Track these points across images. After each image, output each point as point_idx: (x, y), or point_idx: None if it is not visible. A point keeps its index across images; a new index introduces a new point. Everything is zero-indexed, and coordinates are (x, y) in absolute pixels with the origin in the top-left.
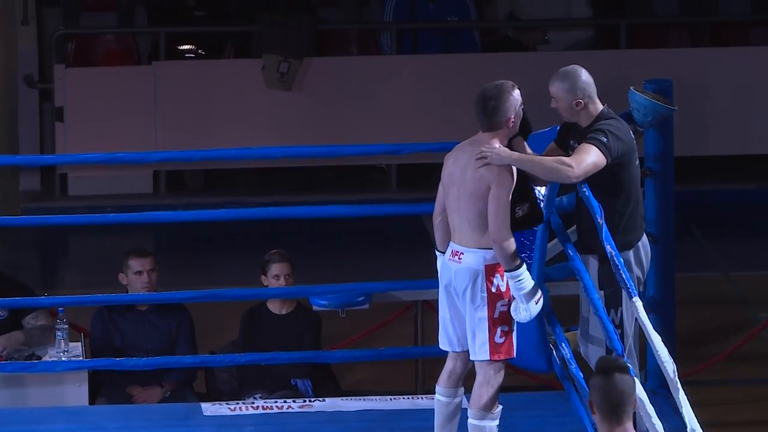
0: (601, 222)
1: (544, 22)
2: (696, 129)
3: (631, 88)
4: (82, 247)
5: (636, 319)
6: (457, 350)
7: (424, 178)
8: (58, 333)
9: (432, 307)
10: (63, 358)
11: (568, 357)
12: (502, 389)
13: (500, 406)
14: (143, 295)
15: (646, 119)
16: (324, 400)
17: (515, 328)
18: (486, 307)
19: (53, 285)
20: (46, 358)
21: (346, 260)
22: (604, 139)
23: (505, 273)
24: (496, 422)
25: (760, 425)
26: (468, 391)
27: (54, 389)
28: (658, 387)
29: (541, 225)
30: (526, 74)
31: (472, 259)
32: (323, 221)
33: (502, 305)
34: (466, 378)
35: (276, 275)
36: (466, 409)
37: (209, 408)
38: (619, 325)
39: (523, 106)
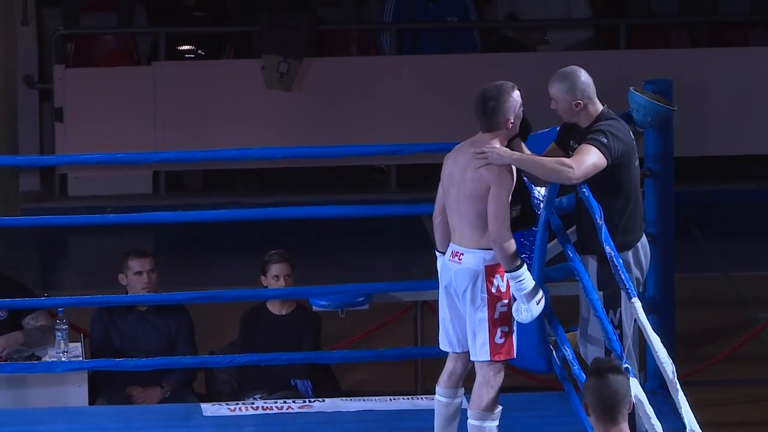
0: (600, 222)
1: (543, 22)
2: (696, 129)
3: (631, 88)
4: (82, 248)
5: (635, 319)
6: (458, 351)
7: (424, 178)
8: (58, 333)
9: (432, 307)
10: (63, 359)
11: (570, 358)
12: (502, 390)
13: (500, 407)
14: (143, 295)
15: (645, 120)
16: (324, 401)
17: (515, 328)
18: (486, 308)
19: (53, 285)
20: (45, 359)
21: (345, 261)
22: (605, 140)
23: (505, 273)
24: (496, 423)
25: (760, 426)
26: (468, 392)
27: (54, 390)
28: (658, 388)
29: (541, 225)
30: (526, 75)
31: (472, 259)
32: (323, 222)
33: (502, 306)
34: (466, 379)
35: (276, 276)
36: (466, 409)
37: (209, 408)
38: (618, 326)
39: (522, 108)
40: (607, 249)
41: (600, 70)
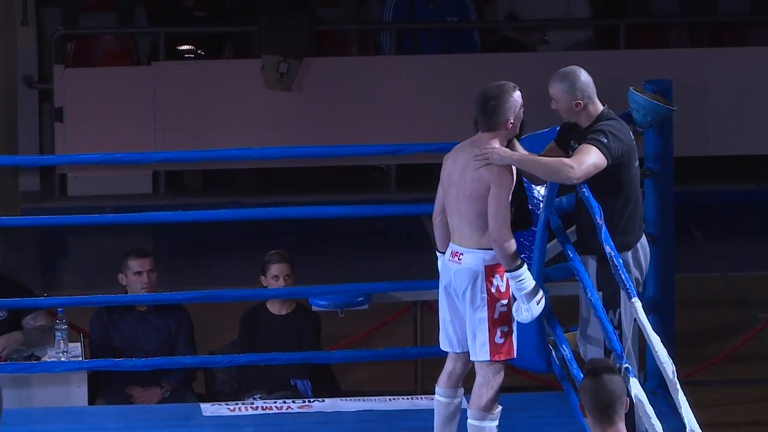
0: (600, 222)
1: (543, 22)
2: (695, 129)
3: (631, 88)
4: (82, 248)
5: (635, 319)
6: (458, 351)
7: (424, 178)
8: (58, 333)
9: (431, 307)
10: (62, 359)
11: (569, 358)
12: (502, 390)
13: (500, 407)
14: (142, 295)
15: (645, 119)
16: (323, 401)
17: (515, 328)
18: (486, 308)
19: (52, 285)
20: (45, 359)
21: (345, 261)
22: (605, 140)
23: (505, 273)
24: (496, 423)
25: (760, 426)
26: (468, 392)
27: (53, 390)
28: (658, 387)
29: (540, 225)
30: (526, 75)
31: (472, 259)
32: (323, 222)
33: (501, 306)
34: (466, 378)
35: (275, 276)
36: (466, 409)
37: (208, 408)
38: (618, 326)
39: (523, 108)
40: (607, 249)
41: (600, 70)
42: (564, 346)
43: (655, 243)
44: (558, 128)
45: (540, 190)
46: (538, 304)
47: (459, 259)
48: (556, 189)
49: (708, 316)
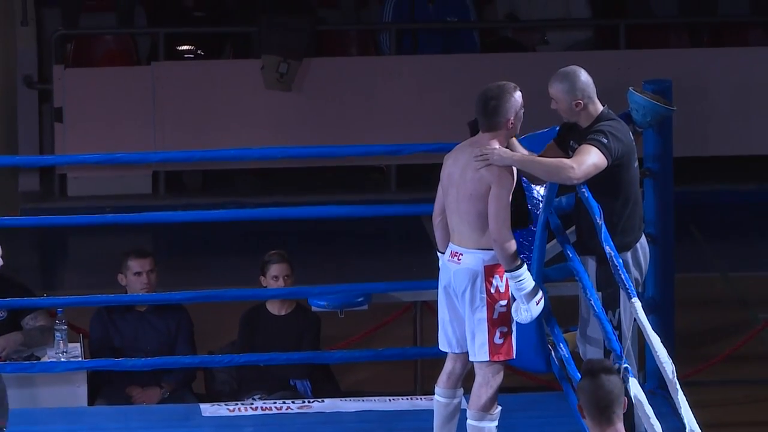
0: (600, 222)
1: (543, 22)
2: (695, 129)
3: (631, 88)
4: (82, 248)
5: (634, 320)
6: (457, 351)
7: (424, 178)
8: (57, 334)
9: (431, 307)
10: (62, 359)
11: (566, 358)
12: (501, 390)
13: (499, 407)
14: (142, 295)
15: (645, 120)
16: (323, 401)
17: (514, 329)
18: (485, 308)
19: (52, 286)
20: (45, 359)
21: (345, 261)
22: (605, 140)
23: (505, 273)
24: (495, 423)
25: (760, 426)
26: (467, 392)
27: (53, 390)
28: (657, 388)
29: (540, 225)
30: (526, 75)
31: (471, 259)
32: (323, 222)
33: (501, 306)
34: (466, 379)
35: (275, 276)
36: (465, 409)
37: (208, 409)
38: (617, 327)
39: (523, 109)
40: (607, 249)
41: (600, 71)
42: (562, 346)
43: (655, 243)
44: (558, 128)
45: (539, 191)
46: (537, 304)
47: (458, 259)
48: (555, 189)
49: (708, 316)
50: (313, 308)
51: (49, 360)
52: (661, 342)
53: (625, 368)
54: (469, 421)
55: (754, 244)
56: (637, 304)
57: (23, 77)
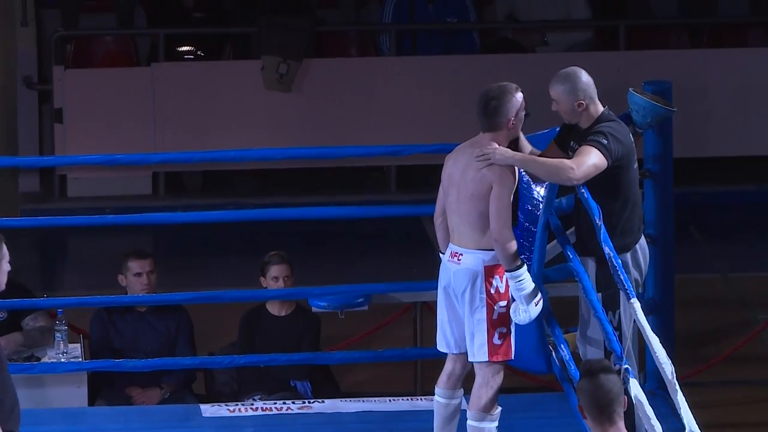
0: (599, 223)
1: (543, 23)
2: (695, 130)
3: (630, 89)
4: (82, 249)
5: (634, 320)
6: (455, 352)
7: (424, 179)
8: (57, 334)
9: (431, 308)
10: (62, 360)
11: (567, 359)
12: (502, 390)
13: (499, 408)
14: (142, 296)
15: (645, 120)
16: (323, 402)
17: (514, 329)
18: (485, 309)
19: (52, 286)
20: (45, 360)
21: (345, 262)
22: (605, 141)
23: (505, 273)
24: (495, 424)
25: (760, 426)
26: (467, 393)
27: (53, 390)
28: (657, 388)
29: (540, 226)
30: (526, 76)
31: (471, 260)
32: (322, 223)
33: (500, 307)
34: (466, 379)
35: (275, 277)
36: (466, 410)
37: (208, 409)
38: (617, 327)
39: (524, 110)
40: (606, 250)
41: (599, 72)
42: (563, 346)
43: (655, 244)
44: (558, 129)
45: (540, 191)
46: (536, 305)
47: (458, 259)
48: (555, 190)
49: (708, 317)
50: (313, 309)
51: (49, 361)
52: (661, 343)
53: (626, 369)
54: (469, 422)
55: (753, 244)
56: (637, 305)
57: (23, 78)
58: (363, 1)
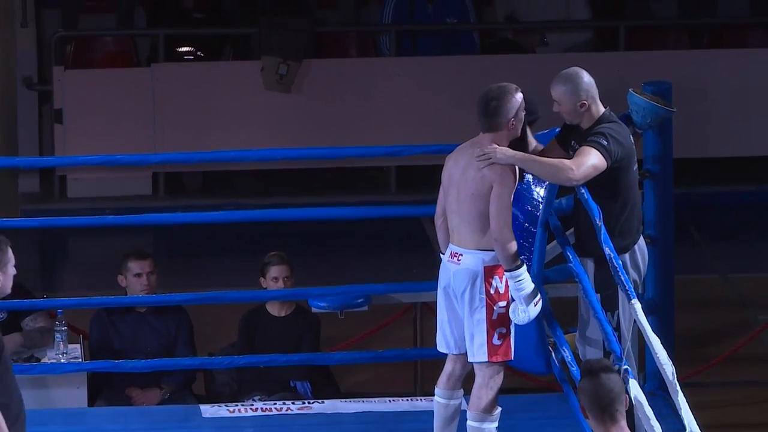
0: (599, 224)
1: (543, 24)
2: (695, 131)
3: (630, 90)
4: (81, 249)
5: (634, 321)
6: (455, 352)
7: (424, 180)
8: (57, 335)
9: (431, 309)
10: (62, 360)
11: (569, 359)
12: (502, 391)
13: (499, 408)
14: (142, 297)
15: (645, 121)
16: (323, 402)
17: (513, 329)
18: (484, 309)
19: (52, 287)
20: (45, 360)
21: (345, 262)
22: (605, 143)
23: (505, 273)
24: (495, 424)
25: (760, 427)
26: (467, 393)
27: (53, 391)
28: (657, 389)
29: (540, 227)
30: (526, 76)
31: (471, 260)
32: (322, 223)
33: (500, 307)
34: (466, 380)
35: (275, 277)
36: (466, 411)
37: (208, 410)
38: (616, 328)
39: (525, 111)
40: (606, 251)
41: (599, 72)
42: (564, 347)
43: (655, 244)
44: (558, 130)
45: (539, 192)
46: (535, 306)
47: (458, 260)
48: (555, 190)
49: (708, 317)
50: (313, 309)
51: (49, 361)
52: (661, 343)
53: (626, 369)
54: (469, 423)
55: (753, 245)
56: (637, 305)
57: (23, 78)
58: (363, 2)
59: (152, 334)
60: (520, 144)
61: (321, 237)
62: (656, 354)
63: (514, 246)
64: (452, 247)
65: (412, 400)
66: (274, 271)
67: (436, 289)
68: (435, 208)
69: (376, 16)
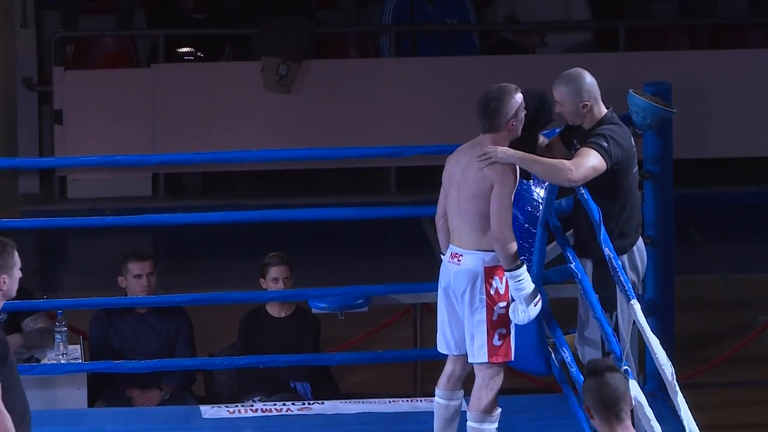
0: (599, 223)
1: (543, 24)
2: (695, 131)
3: (630, 90)
4: (81, 250)
5: (633, 321)
6: (455, 353)
7: (424, 180)
8: (57, 336)
9: (431, 309)
10: (62, 361)
11: (568, 360)
12: (502, 392)
13: (499, 409)
14: (142, 298)
15: (645, 122)
16: (323, 403)
17: (514, 330)
18: (485, 310)
19: (52, 288)
20: (45, 361)
21: (345, 263)
22: (605, 144)
23: (505, 273)
24: (495, 425)
25: (760, 428)
26: (467, 394)
27: (53, 392)
28: (657, 390)
29: (539, 227)
30: (526, 77)
31: (472, 261)
32: (322, 224)
33: (500, 308)
34: (466, 381)
35: (275, 278)
36: (466, 411)
37: (208, 411)
38: (615, 329)
39: (525, 111)
40: (606, 251)
41: (599, 73)
42: (564, 348)
43: (655, 245)
44: (558, 130)
45: (540, 192)
46: (535, 306)
47: (458, 260)
48: (555, 191)
49: (707, 318)
50: (313, 310)
51: (49, 362)
52: (661, 344)
53: (625, 370)
54: (469, 423)
55: (753, 245)
56: (637, 306)
57: (23, 79)
58: (363, 3)
59: (152, 334)
60: (530, 142)
61: (321, 238)
62: (656, 355)
63: (514, 246)
64: (453, 248)
65: (412, 401)
66: (274, 271)
67: (436, 289)
68: (435, 209)
69: (376, 16)
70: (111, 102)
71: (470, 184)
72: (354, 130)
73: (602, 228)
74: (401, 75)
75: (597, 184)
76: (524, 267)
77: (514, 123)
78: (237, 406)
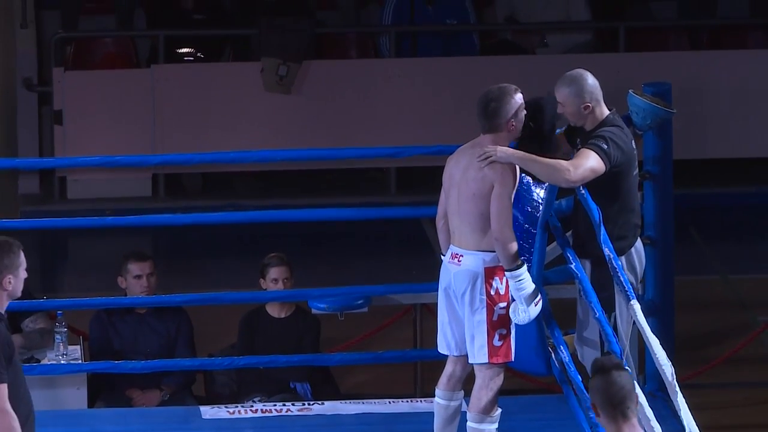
0: (599, 224)
1: (543, 25)
2: (695, 132)
3: (630, 91)
4: (81, 251)
5: (632, 322)
6: (456, 354)
7: (424, 181)
8: (57, 336)
9: (431, 310)
10: (62, 361)
11: (567, 360)
12: (501, 392)
13: (499, 409)
14: (142, 298)
15: (645, 122)
16: (323, 404)
17: (514, 331)
18: (485, 310)
19: (52, 288)
20: (45, 361)
21: (345, 263)
22: (605, 146)
23: (505, 273)
24: (495, 425)
25: (760, 428)
26: (467, 395)
27: (53, 392)
28: (657, 390)
29: (539, 227)
30: (526, 77)
31: (472, 261)
32: (322, 224)
33: (500, 308)
34: (466, 381)
35: (275, 279)
36: (466, 412)
37: (208, 411)
38: (614, 329)
39: (525, 111)
40: (606, 251)
41: (599, 73)
42: (563, 348)
43: (655, 246)
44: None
45: (539, 193)
46: (535, 306)
47: (459, 260)
48: (555, 191)
49: (707, 318)
50: (313, 311)
51: (49, 362)
52: (661, 344)
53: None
54: (469, 424)
55: (753, 246)
56: (637, 306)
57: (23, 80)
58: (363, 3)
59: (152, 335)
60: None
61: (321, 238)
62: (656, 355)
63: (514, 246)
64: (453, 248)
65: (412, 401)
66: (274, 272)
67: (436, 290)
68: (435, 210)
69: (376, 17)
70: (111, 102)
71: (470, 184)
72: (354, 130)
73: (602, 228)
74: (401, 75)
75: (596, 185)
76: (525, 267)
77: (514, 123)
78: (237, 406)
